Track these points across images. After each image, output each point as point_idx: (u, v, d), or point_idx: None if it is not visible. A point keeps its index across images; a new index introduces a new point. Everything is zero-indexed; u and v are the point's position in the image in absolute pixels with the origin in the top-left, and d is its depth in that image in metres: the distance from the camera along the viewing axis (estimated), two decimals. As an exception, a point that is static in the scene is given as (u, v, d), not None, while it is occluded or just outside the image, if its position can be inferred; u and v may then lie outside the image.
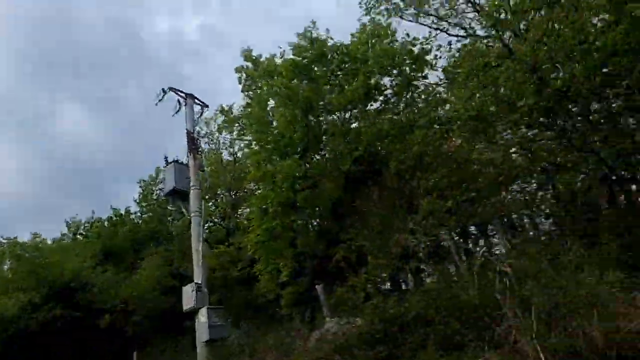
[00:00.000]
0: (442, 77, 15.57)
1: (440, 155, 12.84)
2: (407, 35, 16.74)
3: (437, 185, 11.92)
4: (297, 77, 19.79)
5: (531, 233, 25.85)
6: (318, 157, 22.58)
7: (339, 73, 20.07)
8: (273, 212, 19.60)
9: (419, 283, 22.80)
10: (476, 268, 9.87)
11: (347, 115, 20.81)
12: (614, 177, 13.43)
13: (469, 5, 16.35)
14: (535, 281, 8.19)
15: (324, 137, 21.90)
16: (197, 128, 29.39)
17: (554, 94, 8.37)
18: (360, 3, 16.32)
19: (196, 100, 27.52)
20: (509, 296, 8.68)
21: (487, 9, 15.49)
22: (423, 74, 20.71)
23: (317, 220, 22.76)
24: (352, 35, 20.74)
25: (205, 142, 33.83)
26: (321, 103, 20.29)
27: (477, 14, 15.79)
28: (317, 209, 21.46)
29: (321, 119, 21.76)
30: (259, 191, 26.87)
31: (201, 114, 29.02)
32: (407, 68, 19.17)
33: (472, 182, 12.25)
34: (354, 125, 20.97)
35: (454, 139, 12.93)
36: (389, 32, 19.00)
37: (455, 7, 16.84)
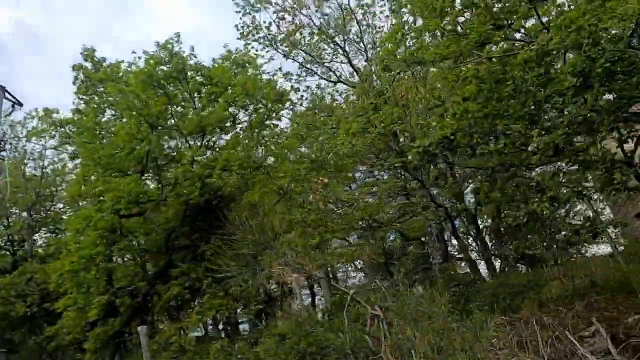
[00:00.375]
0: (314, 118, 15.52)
1: (305, 192, 12.50)
2: (280, 69, 16.53)
3: (305, 220, 11.46)
4: (147, 89, 17.79)
5: (345, 285, 27.18)
6: (156, 180, 20.33)
7: (196, 95, 18.71)
8: (95, 237, 16.63)
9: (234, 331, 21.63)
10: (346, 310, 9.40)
11: (199, 141, 19.34)
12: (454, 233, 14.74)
13: (337, 54, 16.98)
14: (414, 324, 8.04)
15: (165, 159, 19.86)
16: (2, 128, 24.42)
17: (440, 141, 8.82)
18: (236, 26, 15.64)
19: (7, 95, 22.92)
20: (385, 340, 8.34)
21: (356, 62, 16.30)
22: (279, 115, 20.62)
23: (145, 251, 20.20)
24: (213, 60, 19.74)
25: (7, 150, 28.01)
26: (171, 122, 18.52)
27: (347, 65, 16.45)
28: (148, 237, 19.08)
29: (167, 139, 19.80)
30: (75, 212, 22.98)
31: (11, 112, 24.26)
32: (269, 104, 18.82)
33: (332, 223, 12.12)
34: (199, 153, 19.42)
35: (321, 178, 12.80)
36: (257, 64, 18.59)
37: (321, 55, 17.37)
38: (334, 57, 17.01)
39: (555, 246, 17.85)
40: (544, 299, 11.85)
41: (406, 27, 10.36)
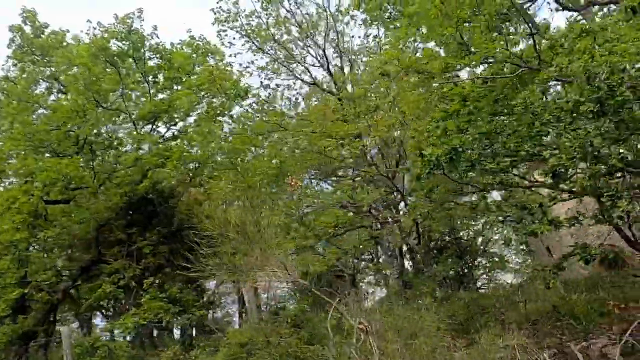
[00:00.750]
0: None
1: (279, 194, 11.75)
2: (252, 62, 15.60)
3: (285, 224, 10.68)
4: (97, 63, 16.09)
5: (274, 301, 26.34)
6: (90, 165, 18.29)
7: (151, 79, 17.25)
8: (19, 221, 14.53)
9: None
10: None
11: (147, 128, 17.81)
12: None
13: (308, 55, 16.48)
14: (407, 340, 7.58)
15: (102, 145, 17.94)
16: None
17: (447, 152, 8.62)
18: (212, 9, 14.62)
19: None
20: (374, 355, 7.81)
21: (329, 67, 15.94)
22: (230, 111, 19.46)
23: (69, 244, 18.08)
24: (172, 44, 18.26)
25: None
26: (119, 103, 16.87)
27: (319, 68, 16.03)
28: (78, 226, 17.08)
29: (103, 122, 17.89)
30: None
31: None
32: (230, 98, 17.67)
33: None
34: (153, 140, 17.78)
35: (295, 180, 12.09)
36: (222, 54, 17.44)
37: (294, 56, 16.74)
38: (304, 58, 16.44)
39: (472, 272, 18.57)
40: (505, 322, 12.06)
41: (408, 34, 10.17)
